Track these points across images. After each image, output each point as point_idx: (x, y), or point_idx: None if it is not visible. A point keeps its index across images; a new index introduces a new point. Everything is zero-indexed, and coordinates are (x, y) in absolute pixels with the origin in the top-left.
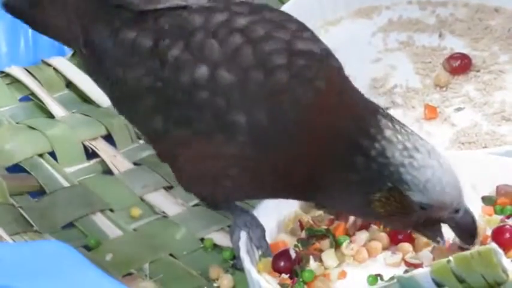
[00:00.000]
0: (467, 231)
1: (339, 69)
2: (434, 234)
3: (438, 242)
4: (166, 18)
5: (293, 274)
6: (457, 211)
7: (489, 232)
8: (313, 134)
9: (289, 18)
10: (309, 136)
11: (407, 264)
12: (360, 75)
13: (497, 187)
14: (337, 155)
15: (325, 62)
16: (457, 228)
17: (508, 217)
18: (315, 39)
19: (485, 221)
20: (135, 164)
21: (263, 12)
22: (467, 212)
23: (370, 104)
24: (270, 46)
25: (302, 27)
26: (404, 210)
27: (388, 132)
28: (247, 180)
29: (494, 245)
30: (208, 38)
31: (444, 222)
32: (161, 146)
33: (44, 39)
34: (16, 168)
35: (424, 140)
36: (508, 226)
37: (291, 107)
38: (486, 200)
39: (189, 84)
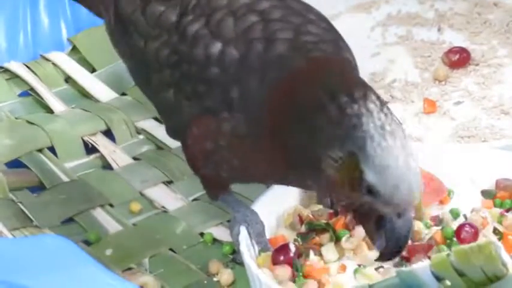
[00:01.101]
0: (396, 242)
1: (348, 60)
2: (374, 232)
3: (374, 243)
4: None
5: (293, 268)
6: (399, 215)
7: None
8: (296, 91)
9: (311, 9)
10: (292, 94)
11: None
12: (359, 69)
13: (497, 181)
14: (314, 105)
15: (331, 46)
16: (389, 232)
17: (507, 210)
18: (331, 29)
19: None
20: (134, 158)
21: (288, 1)
22: (408, 221)
23: (369, 87)
24: (280, 25)
25: (320, 18)
26: (351, 185)
27: (371, 105)
28: (242, 161)
29: (494, 239)
30: (227, 16)
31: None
32: (171, 122)
33: (43, 34)
34: (16, 164)
35: (406, 137)
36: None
37: (281, 74)
38: (485, 193)
39: (202, 59)
